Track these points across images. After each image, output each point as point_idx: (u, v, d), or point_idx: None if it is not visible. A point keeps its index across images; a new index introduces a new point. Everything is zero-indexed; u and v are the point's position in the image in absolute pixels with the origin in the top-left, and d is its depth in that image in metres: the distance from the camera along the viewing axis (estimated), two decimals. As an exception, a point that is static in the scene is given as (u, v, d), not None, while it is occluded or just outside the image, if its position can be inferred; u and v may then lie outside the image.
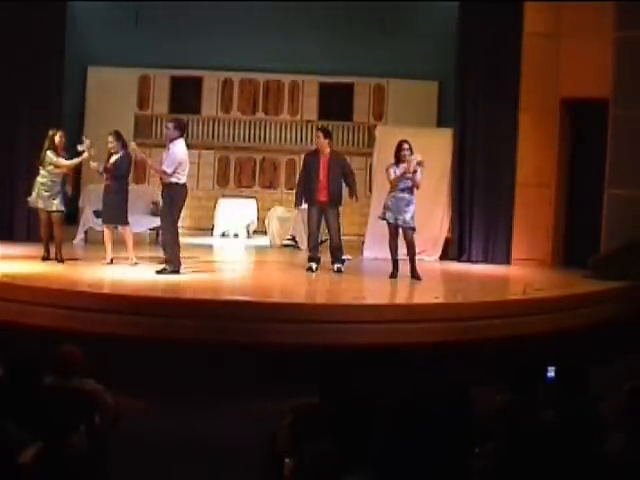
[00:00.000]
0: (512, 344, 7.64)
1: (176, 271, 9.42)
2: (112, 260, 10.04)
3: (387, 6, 14.11)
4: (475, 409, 3.46)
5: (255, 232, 14.87)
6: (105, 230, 10.21)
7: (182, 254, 9.72)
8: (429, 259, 11.97)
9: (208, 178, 15.94)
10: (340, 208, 10.52)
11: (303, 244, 12.80)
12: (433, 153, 11.64)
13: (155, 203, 12.30)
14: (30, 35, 11.87)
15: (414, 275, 9.84)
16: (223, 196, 15.31)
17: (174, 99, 15.84)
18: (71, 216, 11.07)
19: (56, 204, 9.94)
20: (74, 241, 12.31)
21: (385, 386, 4.51)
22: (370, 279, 10.56)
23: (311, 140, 15.74)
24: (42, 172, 9.94)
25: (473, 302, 8.75)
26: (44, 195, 9.92)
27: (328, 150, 10.24)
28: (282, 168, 15.96)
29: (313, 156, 10.36)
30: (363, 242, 12.67)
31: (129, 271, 9.66)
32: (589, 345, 7.92)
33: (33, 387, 4.43)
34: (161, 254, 9.80)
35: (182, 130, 9.67)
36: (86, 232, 12.62)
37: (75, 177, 10.89)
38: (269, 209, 14.72)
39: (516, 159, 11.85)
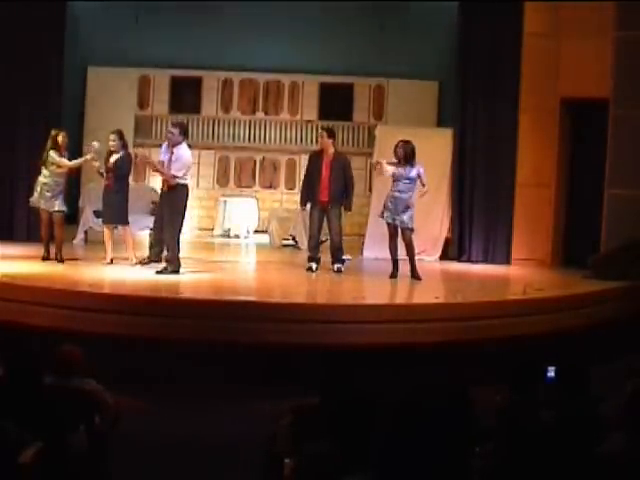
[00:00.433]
0: (512, 344, 7.64)
1: (176, 271, 9.42)
2: (112, 260, 10.04)
3: (387, 6, 14.11)
4: (475, 409, 3.47)
5: (255, 232, 14.87)
6: (105, 230, 10.21)
7: (182, 254, 9.72)
8: (429, 259, 11.97)
9: (208, 178, 15.94)
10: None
11: (303, 244, 12.80)
12: (433, 153, 11.65)
13: (155, 203, 12.29)
14: (30, 35, 11.87)
15: (414, 275, 9.84)
16: (223, 196, 15.31)
17: (174, 99, 15.84)
18: (71, 216, 11.06)
19: (58, 204, 9.94)
20: (74, 241, 12.31)
21: (385, 386, 4.52)
22: (370, 279, 10.56)
23: (311, 140, 15.76)
24: (44, 172, 9.93)
25: (473, 302, 8.75)
26: (46, 195, 9.92)
27: (332, 150, 10.23)
28: (282, 168, 15.96)
29: (317, 156, 10.35)
30: (363, 242, 12.67)
31: (129, 271, 9.66)
32: (589, 345, 7.93)
33: (33, 387, 4.43)
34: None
35: (186, 133, 9.78)
36: (86, 232, 12.61)
37: (75, 177, 10.87)
38: (269, 209, 14.73)
39: (516, 159, 11.85)
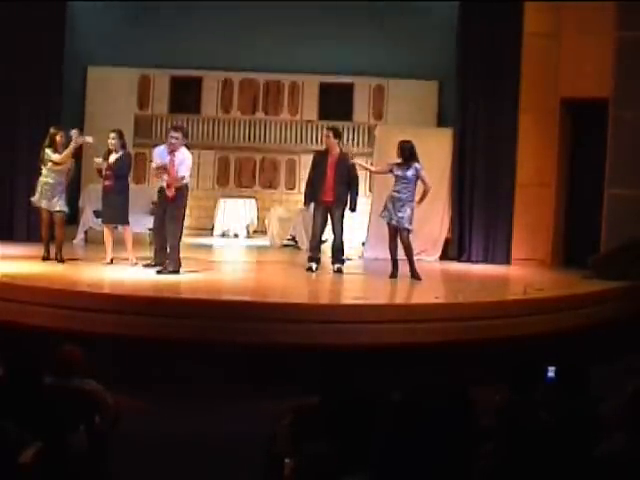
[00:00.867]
0: (512, 344, 7.64)
1: (176, 271, 9.42)
2: (112, 260, 10.04)
3: (387, 6, 14.11)
4: (476, 409, 3.47)
5: (255, 232, 14.86)
6: (105, 230, 10.21)
7: (182, 254, 9.72)
8: (429, 259, 11.97)
9: (208, 178, 15.93)
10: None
11: (303, 244, 12.80)
12: (433, 153, 11.65)
13: (155, 203, 12.29)
14: (30, 35, 11.88)
15: (414, 275, 9.84)
16: (223, 196, 15.30)
17: (174, 99, 15.84)
18: (71, 216, 11.06)
19: (59, 204, 9.94)
20: (74, 241, 12.31)
21: (385, 386, 4.52)
22: (370, 279, 10.56)
23: (311, 140, 15.76)
24: (44, 171, 9.94)
25: (473, 302, 8.75)
26: (47, 195, 9.92)
27: (337, 150, 10.20)
28: (282, 168, 15.95)
29: (321, 156, 10.33)
30: (363, 242, 12.67)
31: (129, 271, 9.66)
32: (589, 345, 7.93)
33: (33, 387, 4.43)
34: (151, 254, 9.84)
35: (186, 136, 9.90)
36: (86, 232, 12.61)
37: (76, 177, 10.86)
38: (269, 209, 14.73)
39: (516, 159, 11.85)
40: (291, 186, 15.92)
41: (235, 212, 14.80)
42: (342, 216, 10.19)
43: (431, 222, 12.06)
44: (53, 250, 10.00)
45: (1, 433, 3.93)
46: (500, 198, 12.00)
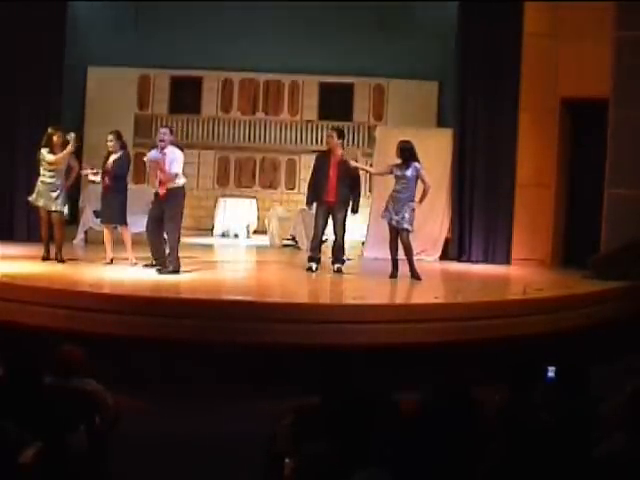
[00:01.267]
0: (512, 344, 7.64)
1: (176, 271, 9.42)
2: (112, 260, 10.04)
3: (387, 6, 14.11)
4: (482, 410, 3.48)
5: (255, 232, 14.87)
6: (105, 230, 10.22)
7: (182, 254, 9.72)
8: (429, 259, 11.97)
9: (208, 178, 15.95)
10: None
11: (303, 244, 12.81)
12: (433, 153, 11.65)
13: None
14: (30, 35, 11.88)
15: (414, 275, 9.84)
16: (223, 196, 15.31)
17: (174, 99, 15.86)
18: (71, 216, 11.06)
19: (57, 204, 9.93)
20: (74, 241, 12.31)
21: (385, 386, 4.52)
22: (370, 279, 10.56)
23: (311, 140, 15.78)
24: (41, 171, 9.94)
25: (473, 302, 8.74)
26: (45, 194, 9.92)
27: (340, 151, 10.19)
28: (282, 168, 15.97)
29: (324, 156, 10.33)
30: (363, 242, 12.67)
31: (129, 271, 9.66)
32: (589, 345, 7.92)
33: (33, 387, 4.43)
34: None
35: (173, 134, 9.89)
36: (86, 232, 12.61)
37: (76, 178, 10.86)
38: (269, 209, 14.73)
39: (516, 159, 11.85)
40: (291, 186, 15.93)
41: (235, 212, 14.80)
42: (344, 217, 10.19)
43: (431, 222, 12.06)
44: (53, 250, 10.00)
45: (1, 433, 3.93)
46: (500, 198, 12.00)
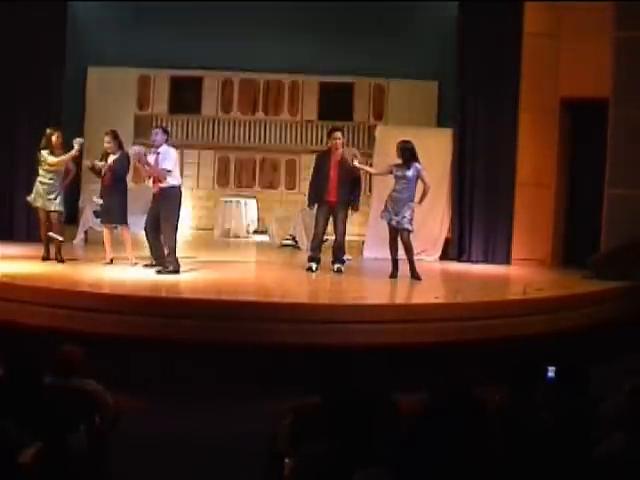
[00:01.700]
0: (512, 344, 7.64)
1: (176, 271, 9.43)
2: (112, 260, 10.04)
3: (387, 6, 14.11)
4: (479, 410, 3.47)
5: (255, 232, 14.87)
6: (105, 230, 10.21)
7: (182, 254, 9.72)
8: (429, 259, 11.97)
9: (208, 178, 15.95)
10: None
11: (303, 244, 12.81)
12: (433, 153, 11.65)
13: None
14: (30, 35, 11.88)
15: (414, 275, 9.85)
16: (223, 196, 15.31)
17: (174, 99, 15.86)
18: (71, 216, 11.06)
19: (55, 204, 9.93)
20: (74, 241, 12.32)
21: (385, 386, 4.52)
22: (370, 279, 10.56)
23: (311, 140, 15.78)
24: (40, 172, 9.95)
25: (473, 302, 8.74)
26: (43, 194, 9.92)
27: (341, 151, 10.19)
28: (282, 168, 15.97)
29: (324, 156, 10.32)
30: (363, 242, 12.67)
31: (129, 271, 9.66)
32: (589, 345, 7.92)
33: (33, 387, 4.43)
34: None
35: (168, 134, 9.86)
36: (86, 232, 12.62)
37: (75, 178, 10.87)
38: (269, 209, 14.73)
39: (516, 159, 11.85)
40: (291, 186, 15.93)
41: (235, 212, 14.80)
42: (345, 216, 10.19)
43: (431, 222, 12.06)
44: (53, 250, 10.00)
45: (1, 433, 3.93)
46: (500, 198, 12.00)
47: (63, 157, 9.89)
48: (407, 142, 9.81)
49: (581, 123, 11.75)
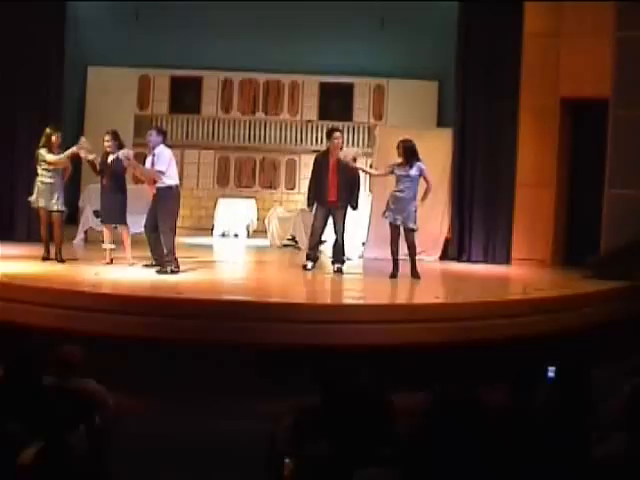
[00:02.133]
0: (512, 344, 7.64)
1: (176, 271, 9.43)
2: (112, 260, 10.04)
3: (387, 5, 14.11)
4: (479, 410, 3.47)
5: (255, 232, 14.87)
6: (105, 230, 10.21)
7: (182, 254, 9.72)
8: (429, 259, 11.97)
9: (208, 178, 15.95)
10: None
11: (303, 244, 12.80)
12: (433, 153, 11.64)
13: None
14: (30, 35, 11.88)
15: (414, 274, 9.86)
16: (223, 196, 15.32)
17: (174, 99, 15.87)
18: (71, 216, 11.06)
19: (57, 204, 9.94)
20: (74, 241, 12.32)
21: (385, 386, 4.52)
22: (370, 279, 10.56)
23: (311, 140, 15.79)
24: (39, 171, 9.94)
25: (473, 302, 8.74)
26: (45, 194, 9.92)
27: (339, 151, 10.20)
28: (282, 168, 15.98)
29: (323, 156, 10.34)
30: (363, 242, 12.67)
31: (129, 271, 9.66)
32: (589, 345, 7.92)
33: (33, 387, 4.43)
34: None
35: (164, 136, 9.84)
36: (86, 232, 12.62)
37: (73, 177, 10.86)
38: (269, 209, 14.73)
39: (516, 159, 11.85)
40: (291, 186, 15.94)
41: (235, 212, 14.80)
42: (345, 216, 10.20)
43: (431, 222, 12.05)
44: (53, 250, 10.00)
45: (1, 433, 3.93)
46: (500, 198, 12.00)
47: (61, 155, 9.88)
48: (408, 141, 9.82)
49: (581, 123, 11.75)
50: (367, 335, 7.72)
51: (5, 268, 9.06)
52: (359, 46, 14.75)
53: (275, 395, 6.39)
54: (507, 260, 11.90)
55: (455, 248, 12.29)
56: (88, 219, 12.52)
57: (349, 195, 10.14)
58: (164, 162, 9.51)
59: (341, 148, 10.34)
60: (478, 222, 12.14)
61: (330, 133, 10.42)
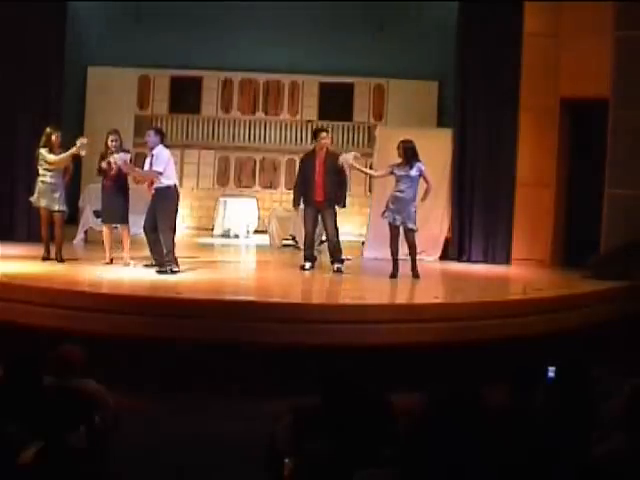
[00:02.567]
0: (512, 344, 7.64)
1: (176, 271, 9.43)
2: (112, 260, 10.04)
3: (387, 6, 14.11)
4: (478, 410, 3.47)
5: (255, 232, 14.87)
6: (105, 230, 10.21)
7: (183, 254, 9.72)
8: (429, 259, 11.97)
9: (208, 178, 15.95)
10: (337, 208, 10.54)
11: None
12: (433, 153, 11.64)
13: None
14: (30, 35, 11.88)
15: (415, 274, 9.88)
16: (223, 196, 15.31)
17: (174, 99, 15.86)
18: (71, 216, 11.06)
19: (58, 204, 9.94)
20: (74, 241, 12.31)
21: (385, 386, 4.52)
22: (370, 279, 10.56)
23: (311, 140, 15.74)
24: (40, 171, 9.95)
25: (473, 302, 8.74)
26: (47, 194, 9.92)
27: (325, 150, 10.26)
28: (282, 168, 15.97)
29: (309, 156, 10.38)
30: (363, 242, 12.67)
31: (129, 271, 9.66)
32: (589, 345, 7.93)
33: (33, 387, 4.42)
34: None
35: (162, 136, 9.85)
36: (86, 232, 12.62)
37: (74, 176, 10.86)
38: (269, 209, 14.73)
39: (516, 159, 11.85)
40: (291, 186, 15.88)
41: (235, 212, 14.80)
42: (334, 214, 10.24)
43: (431, 222, 12.05)
44: (53, 250, 9.99)
45: (1, 433, 3.93)
46: (500, 198, 12.00)
47: (62, 156, 9.88)
48: (408, 141, 9.83)
49: (581, 123, 11.75)
50: (367, 335, 7.72)
51: (5, 268, 9.06)
52: (359, 46, 14.75)
53: (275, 395, 6.40)
54: (507, 260, 11.90)
55: (455, 248, 12.29)
56: (88, 219, 12.52)
57: (336, 194, 10.19)
58: (162, 162, 9.51)
59: (328, 148, 10.38)
60: (478, 222, 12.14)
61: (316, 133, 10.56)
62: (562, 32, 11.44)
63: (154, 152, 9.61)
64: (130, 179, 10.32)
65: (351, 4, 14.13)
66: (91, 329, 7.43)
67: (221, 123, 15.98)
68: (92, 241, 12.20)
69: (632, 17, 10.58)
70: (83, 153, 9.87)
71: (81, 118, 15.26)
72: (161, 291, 8.59)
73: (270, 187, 16.00)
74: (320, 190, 10.13)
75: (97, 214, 11.30)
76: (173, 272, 9.38)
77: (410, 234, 9.84)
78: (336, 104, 15.77)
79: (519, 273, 11.15)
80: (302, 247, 12.48)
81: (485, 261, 11.99)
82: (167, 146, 10.00)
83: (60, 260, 9.94)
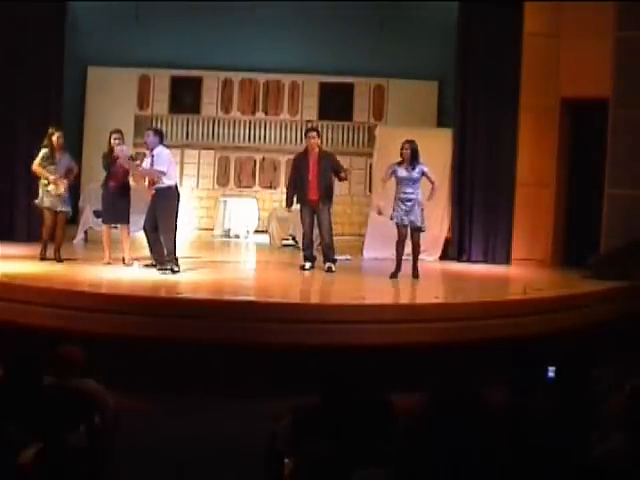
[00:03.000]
0: (512, 344, 7.64)
1: (176, 271, 9.43)
2: (112, 260, 10.03)
3: (387, 6, 14.11)
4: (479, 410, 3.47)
5: (255, 232, 14.87)
6: (105, 230, 10.21)
7: (183, 254, 9.72)
8: (429, 259, 11.96)
9: (208, 178, 15.94)
10: (332, 207, 10.54)
11: (303, 244, 12.80)
12: (433, 153, 11.64)
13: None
14: (30, 35, 11.87)
15: (415, 274, 9.89)
16: (223, 196, 15.31)
17: (174, 99, 15.84)
18: (71, 216, 11.06)
19: (63, 205, 9.97)
20: (74, 241, 12.31)
21: (385, 386, 4.52)
22: (370, 279, 10.56)
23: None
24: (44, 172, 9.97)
25: (473, 302, 8.75)
26: (51, 194, 9.92)
27: (317, 149, 10.27)
28: (282, 168, 15.95)
29: (302, 156, 10.40)
30: (363, 242, 12.67)
31: (129, 271, 9.66)
32: (589, 345, 7.92)
33: (33, 387, 4.43)
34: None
35: (161, 136, 9.85)
36: (86, 232, 12.62)
37: (75, 178, 10.86)
38: (269, 209, 14.73)
39: (516, 159, 11.85)
40: (291, 186, 15.90)
41: (235, 212, 14.79)
42: (328, 213, 10.26)
43: (431, 222, 12.00)
44: (50, 250, 9.98)
45: (1, 433, 3.93)
46: (500, 198, 12.00)
47: (40, 171, 9.91)
48: (412, 142, 9.86)
49: (581, 123, 11.75)
50: (367, 335, 7.72)
51: (5, 268, 9.06)
52: (359, 46, 14.74)
53: (275, 395, 6.39)
54: (507, 260, 11.90)
55: (455, 248, 12.29)
56: (88, 219, 12.52)
57: (331, 191, 10.28)
58: (164, 162, 9.52)
59: (320, 147, 10.39)
60: (478, 222, 12.14)
61: (307, 133, 10.58)
62: (562, 32, 11.44)
63: (154, 152, 9.61)
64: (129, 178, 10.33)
65: (351, 4, 14.12)
66: (91, 329, 7.43)
67: (221, 123, 15.97)
68: (92, 241, 12.20)
69: (633, 17, 10.58)
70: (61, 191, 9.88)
71: (81, 118, 15.25)
72: (161, 291, 8.60)
73: (270, 187, 15.99)
74: (314, 189, 10.14)
75: (97, 214, 11.30)
76: (174, 272, 9.38)
77: (416, 234, 9.88)
78: (336, 104, 15.75)
79: (519, 273, 11.15)
80: (301, 247, 12.52)
81: (485, 261, 11.99)
82: (167, 146, 10.00)
83: (59, 260, 9.94)
